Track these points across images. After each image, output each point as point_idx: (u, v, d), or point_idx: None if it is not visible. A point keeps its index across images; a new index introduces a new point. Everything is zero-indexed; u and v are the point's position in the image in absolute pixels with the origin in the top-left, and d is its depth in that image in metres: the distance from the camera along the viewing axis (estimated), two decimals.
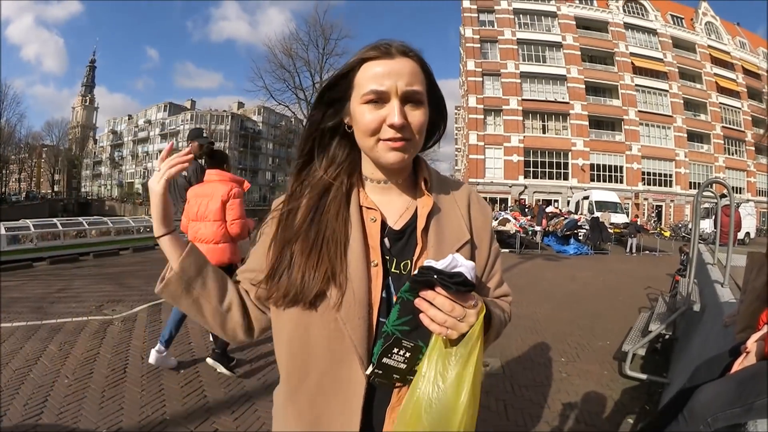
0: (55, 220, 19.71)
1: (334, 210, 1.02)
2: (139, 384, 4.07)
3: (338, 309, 0.94)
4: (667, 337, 5.15)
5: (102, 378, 4.17)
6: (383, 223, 1.04)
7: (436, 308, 0.84)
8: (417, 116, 0.96)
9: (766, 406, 1.58)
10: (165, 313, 6.43)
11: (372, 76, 0.95)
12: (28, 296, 7.47)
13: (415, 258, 1.01)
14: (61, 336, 5.33)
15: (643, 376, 4.49)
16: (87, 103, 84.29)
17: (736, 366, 1.79)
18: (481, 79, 41.84)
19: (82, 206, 59.21)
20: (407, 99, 0.95)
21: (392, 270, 1.00)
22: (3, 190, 58.02)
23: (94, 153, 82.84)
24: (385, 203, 1.07)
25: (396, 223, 1.05)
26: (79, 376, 4.21)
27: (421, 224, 1.03)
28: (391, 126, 0.93)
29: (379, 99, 0.94)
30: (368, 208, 1.05)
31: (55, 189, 73.28)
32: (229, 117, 69.73)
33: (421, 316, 0.86)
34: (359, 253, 0.98)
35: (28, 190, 69.27)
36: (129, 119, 79.28)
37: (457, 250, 1.02)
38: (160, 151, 1.10)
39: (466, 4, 42.84)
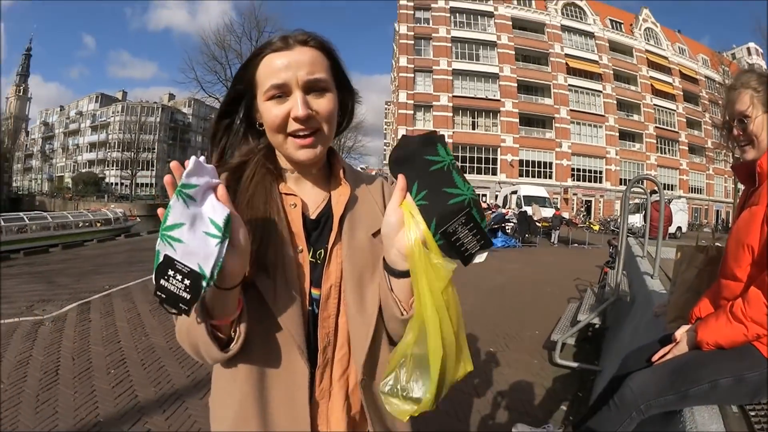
0: None
1: (254, 197, 0.96)
2: (72, 386, 3.99)
3: (270, 298, 0.90)
4: (597, 326, 5.29)
5: (36, 381, 4.07)
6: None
7: None
8: (323, 104, 0.94)
9: (701, 394, 1.66)
10: (94, 312, 6.31)
11: (271, 71, 0.92)
12: None
13: (329, 246, 0.98)
14: None
15: (574, 364, 4.63)
16: (21, 93, 79.56)
17: (664, 352, 1.83)
18: (413, 75, 42.32)
19: (14, 202, 55.65)
20: (310, 88, 0.93)
21: (309, 259, 0.98)
22: None
23: (26, 146, 78.25)
24: (300, 193, 1.03)
25: (312, 213, 1.02)
26: (14, 380, 4.11)
27: (338, 211, 1.01)
28: (296, 119, 0.91)
29: (282, 93, 0.92)
30: (287, 194, 1.01)
31: None
32: (160, 109, 67.83)
33: None
34: (285, 240, 0.94)
35: None
36: (61, 110, 75.62)
37: (373, 236, 1.00)
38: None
39: (403, 1, 43.07)
